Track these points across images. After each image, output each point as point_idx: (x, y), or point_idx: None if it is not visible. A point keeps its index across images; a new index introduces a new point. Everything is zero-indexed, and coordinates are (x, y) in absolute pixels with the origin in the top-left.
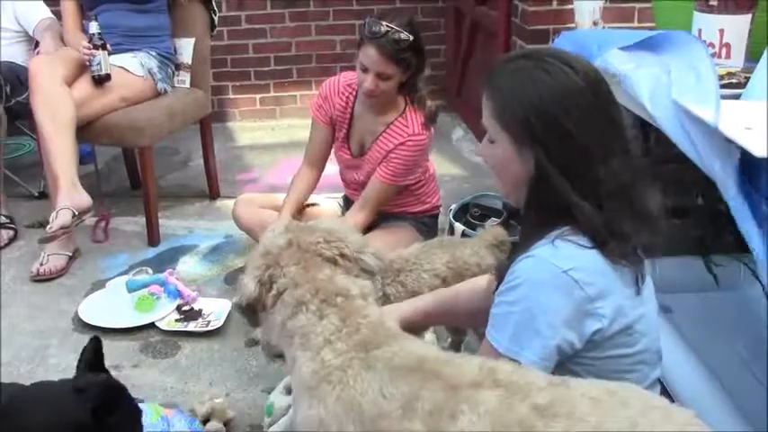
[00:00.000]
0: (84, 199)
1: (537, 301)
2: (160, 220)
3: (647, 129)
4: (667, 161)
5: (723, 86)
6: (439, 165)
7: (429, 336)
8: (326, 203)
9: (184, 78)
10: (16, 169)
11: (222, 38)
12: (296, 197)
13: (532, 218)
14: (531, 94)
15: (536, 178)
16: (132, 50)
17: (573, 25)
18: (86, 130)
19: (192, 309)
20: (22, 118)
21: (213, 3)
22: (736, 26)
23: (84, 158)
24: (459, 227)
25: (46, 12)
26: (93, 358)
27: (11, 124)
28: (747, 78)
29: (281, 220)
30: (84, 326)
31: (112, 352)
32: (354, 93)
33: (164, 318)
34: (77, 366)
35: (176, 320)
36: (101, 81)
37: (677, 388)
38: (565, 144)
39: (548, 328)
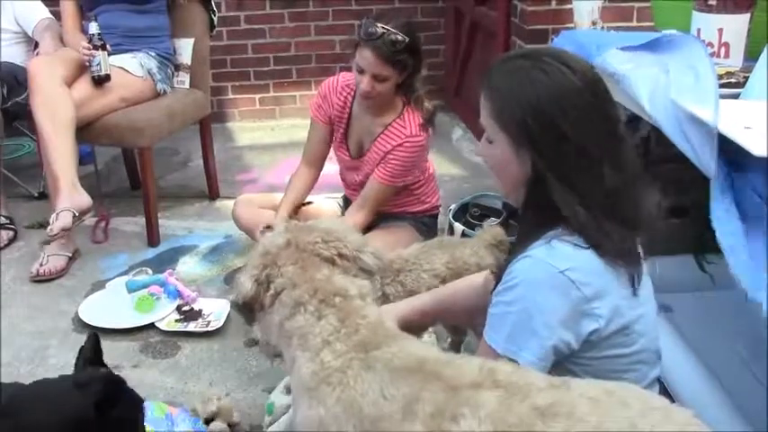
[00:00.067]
0: (85, 199)
1: (534, 302)
2: (160, 221)
3: (646, 128)
4: (667, 161)
5: (722, 86)
6: (438, 165)
7: (428, 336)
8: (326, 203)
9: (184, 79)
10: (16, 170)
11: (221, 38)
12: (293, 196)
13: (530, 218)
14: (528, 94)
15: (533, 180)
16: (132, 51)
17: (572, 25)
18: (86, 131)
19: (192, 309)
20: (22, 119)
21: (212, 3)
22: (735, 25)
23: (83, 159)
24: (458, 227)
25: (45, 12)
26: (91, 356)
27: (10, 125)
28: (746, 78)
29: (277, 219)
30: (84, 326)
31: (112, 352)
32: (353, 93)
33: (164, 318)
34: (76, 364)
35: (176, 321)
36: (100, 81)
37: (677, 387)
38: (562, 145)
39: (544, 328)
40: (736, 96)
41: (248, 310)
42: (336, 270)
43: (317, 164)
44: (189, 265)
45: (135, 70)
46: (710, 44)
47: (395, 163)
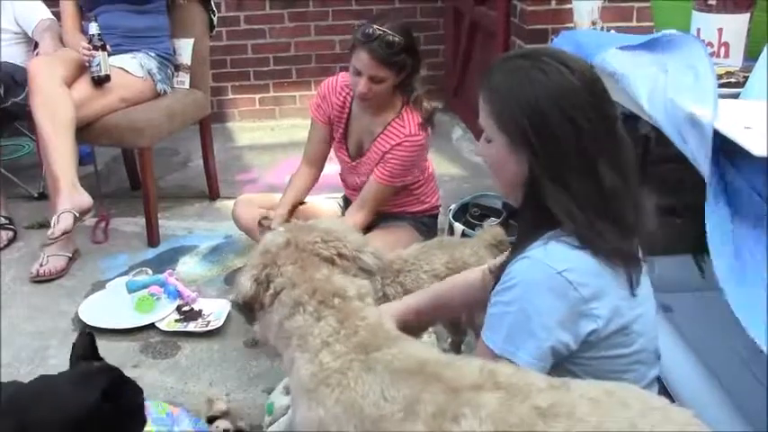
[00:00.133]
0: (85, 199)
1: (531, 303)
2: (160, 221)
3: (645, 127)
4: (667, 161)
5: (722, 86)
6: (438, 165)
7: (428, 336)
8: (326, 203)
9: (184, 79)
10: (16, 170)
11: (221, 38)
12: (293, 195)
13: (528, 218)
14: (527, 94)
15: (530, 181)
16: (132, 51)
17: (572, 25)
18: (86, 131)
19: (192, 309)
20: (21, 119)
21: (212, 3)
22: (735, 25)
23: (83, 159)
24: (458, 227)
25: (46, 12)
26: (85, 353)
27: (9, 125)
28: (746, 77)
29: (275, 218)
30: (84, 327)
31: (112, 352)
32: (352, 93)
33: (164, 318)
34: (70, 361)
35: (176, 321)
36: (100, 82)
37: (677, 387)
38: (560, 145)
39: (542, 329)
40: (735, 96)
41: (248, 309)
42: (336, 270)
43: (318, 164)
44: (189, 266)
45: (135, 71)
46: (710, 44)
47: (394, 162)
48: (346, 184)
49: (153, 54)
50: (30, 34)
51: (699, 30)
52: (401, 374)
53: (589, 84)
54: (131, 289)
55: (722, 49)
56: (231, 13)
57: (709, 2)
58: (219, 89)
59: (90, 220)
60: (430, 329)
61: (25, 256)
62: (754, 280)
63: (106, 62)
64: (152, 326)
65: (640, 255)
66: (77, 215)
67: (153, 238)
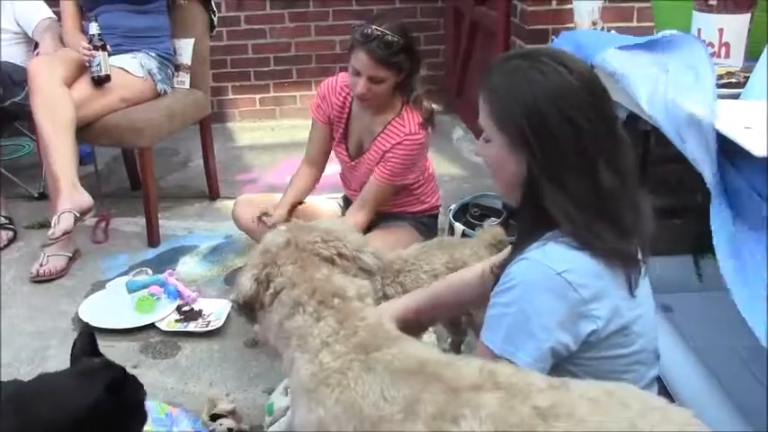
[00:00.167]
0: (85, 199)
1: (531, 303)
2: (160, 221)
3: (645, 127)
4: (667, 161)
5: (722, 86)
6: (438, 165)
7: (428, 336)
8: (326, 203)
9: (184, 79)
10: (16, 170)
11: (222, 38)
12: (294, 194)
13: (527, 219)
14: (525, 94)
15: (528, 181)
16: (132, 51)
17: (572, 25)
18: (86, 131)
19: (192, 309)
20: (20, 119)
21: (212, 3)
22: (736, 25)
23: (83, 159)
24: (458, 227)
25: (46, 12)
26: (86, 351)
27: (8, 125)
28: (747, 78)
29: (275, 217)
30: (84, 327)
31: (112, 352)
32: (352, 93)
33: (164, 318)
34: (71, 360)
35: (176, 321)
36: (100, 82)
37: (677, 387)
38: (559, 145)
39: (541, 330)
40: (736, 96)
41: (249, 309)
42: (336, 270)
43: (319, 164)
44: (189, 266)
45: (135, 71)
46: (711, 44)
47: (394, 162)
48: (346, 184)
49: (153, 54)
50: (30, 34)
51: (699, 30)
52: (401, 374)
53: (588, 84)
54: (131, 289)
55: (723, 50)
56: (231, 13)
57: (710, 2)
58: (220, 89)
59: (90, 220)
60: (430, 329)
61: (25, 256)
62: (754, 280)
63: (106, 62)
64: (152, 326)
65: (639, 255)
66: (78, 215)
67: (153, 238)
